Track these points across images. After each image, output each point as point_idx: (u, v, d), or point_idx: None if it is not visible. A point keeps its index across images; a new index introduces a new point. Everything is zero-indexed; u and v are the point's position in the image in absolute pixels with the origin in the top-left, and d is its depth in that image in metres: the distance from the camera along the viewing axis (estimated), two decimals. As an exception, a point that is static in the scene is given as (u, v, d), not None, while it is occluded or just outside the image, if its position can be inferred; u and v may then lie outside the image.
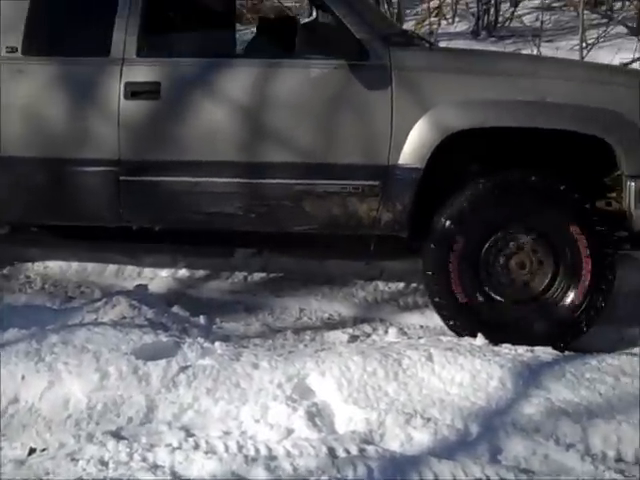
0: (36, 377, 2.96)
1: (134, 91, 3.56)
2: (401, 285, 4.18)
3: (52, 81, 3.64)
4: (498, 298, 3.52)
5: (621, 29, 10.27)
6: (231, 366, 3.07)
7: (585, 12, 9.38)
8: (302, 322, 3.87)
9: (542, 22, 11.24)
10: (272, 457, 2.60)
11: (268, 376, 3.01)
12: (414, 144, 3.43)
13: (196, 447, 2.64)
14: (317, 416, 2.82)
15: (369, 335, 3.68)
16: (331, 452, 2.61)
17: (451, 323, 3.53)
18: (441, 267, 3.47)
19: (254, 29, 4.66)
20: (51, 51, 3.67)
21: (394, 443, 2.70)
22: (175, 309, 3.75)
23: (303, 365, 3.06)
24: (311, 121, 3.51)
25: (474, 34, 12.23)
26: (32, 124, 3.64)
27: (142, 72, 3.58)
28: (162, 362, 3.06)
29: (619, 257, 3.57)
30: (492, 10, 12.32)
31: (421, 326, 3.82)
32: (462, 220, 3.45)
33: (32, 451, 2.65)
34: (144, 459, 2.57)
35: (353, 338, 3.60)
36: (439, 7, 11.96)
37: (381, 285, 4.19)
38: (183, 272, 4.30)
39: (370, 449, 2.64)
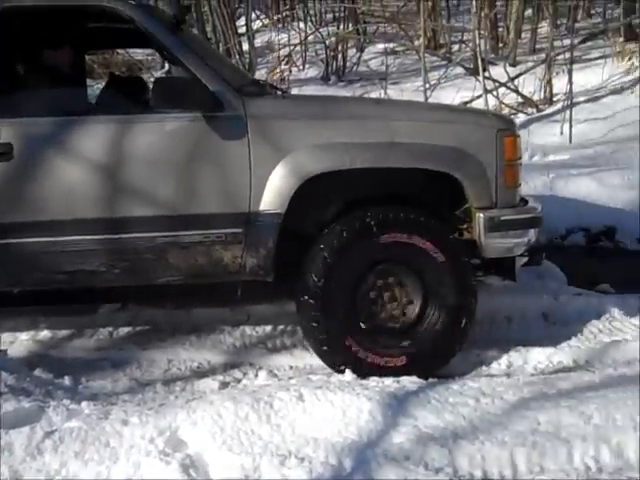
0: None
1: None
2: (268, 328, 4.22)
3: None
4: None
5: (460, 70, 10.88)
6: (99, 425, 3.00)
7: (426, 55, 9.87)
8: (171, 373, 3.83)
9: (387, 66, 11.76)
10: (147, 514, 2.56)
11: (139, 431, 2.95)
12: (274, 190, 3.50)
13: (66, 513, 2.57)
14: (191, 467, 2.79)
15: (240, 380, 3.69)
16: (207, 502, 2.60)
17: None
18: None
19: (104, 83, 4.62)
20: None
21: (270, 486, 2.71)
22: (37, 372, 3.61)
23: (174, 417, 3.03)
24: (170, 174, 3.52)
25: (324, 79, 12.62)
26: None
27: None
28: (25, 429, 2.95)
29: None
30: (340, 56, 12.79)
31: (291, 367, 3.86)
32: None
33: None
34: (11, 531, 2.47)
35: (224, 385, 3.60)
36: (289, 55, 12.27)
37: (248, 330, 4.21)
38: (45, 333, 4.16)
39: (247, 495, 2.65)
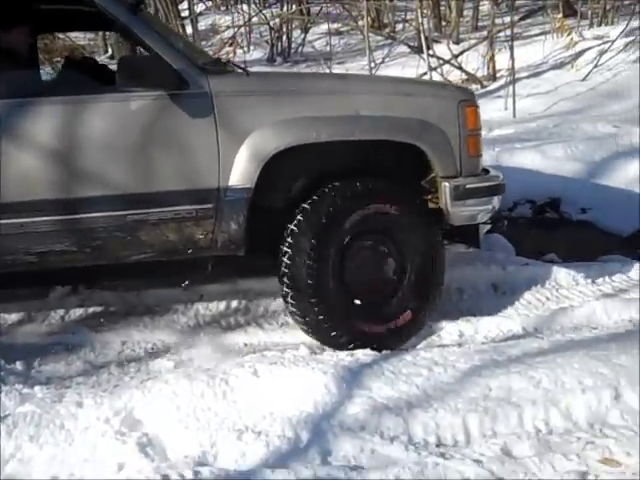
0: None
1: None
2: (222, 306, 4.21)
3: None
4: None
5: (404, 48, 10.95)
6: (54, 408, 2.98)
7: (370, 35, 9.91)
8: (125, 355, 3.80)
9: (332, 46, 11.77)
10: (105, 494, 2.56)
11: (94, 413, 2.94)
12: (242, 165, 3.52)
13: (23, 496, 2.55)
14: (148, 446, 2.79)
15: (194, 359, 3.68)
16: (165, 479, 2.59)
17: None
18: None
19: (49, 69, 4.55)
20: None
21: (228, 461, 2.73)
22: (-12, 358, 3.58)
23: (130, 397, 3.03)
24: (138, 152, 3.50)
25: (270, 61, 12.60)
26: None
27: None
28: (-22, 414, 2.92)
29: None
30: (284, 37, 12.75)
31: (245, 344, 3.86)
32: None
33: None
34: (-33, 517, 2.45)
35: (179, 364, 3.59)
36: (233, 37, 12.19)
37: (202, 309, 4.21)
38: (-6, 319, 4.10)
39: (204, 470, 2.66)
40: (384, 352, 3.46)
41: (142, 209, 3.52)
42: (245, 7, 13.55)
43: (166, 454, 2.78)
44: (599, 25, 10.72)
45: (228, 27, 13.34)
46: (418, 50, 10.18)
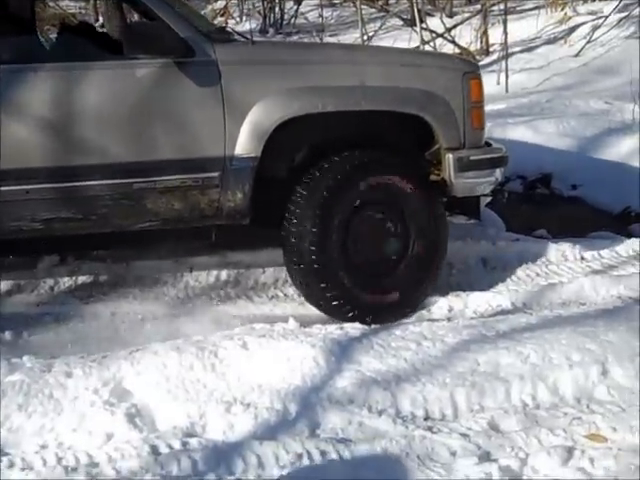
0: None
1: None
2: (211, 278, 4.20)
3: None
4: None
5: (397, 21, 10.87)
6: (42, 378, 2.98)
7: (363, 7, 9.85)
8: (114, 326, 3.80)
9: (324, 18, 11.68)
10: (93, 464, 2.56)
11: (83, 383, 2.95)
12: (248, 134, 3.52)
13: (11, 465, 2.55)
14: (137, 416, 2.80)
15: (183, 331, 3.67)
16: (154, 450, 2.61)
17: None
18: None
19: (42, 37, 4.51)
20: None
21: (216, 432, 2.74)
22: (-24, 328, 3.57)
23: (118, 368, 3.03)
24: (144, 119, 3.49)
25: (262, 32, 12.50)
26: None
27: None
28: (-33, 384, 2.91)
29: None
30: (277, 8, 12.64)
31: (234, 316, 3.86)
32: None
33: None
34: (-45, 485, 2.45)
35: (167, 336, 3.58)
36: (226, 7, 12.08)
37: (191, 281, 4.20)
38: (-18, 289, 4.08)
39: (193, 441, 2.67)
40: (373, 326, 3.48)
41: (148, 177, 3.51)
42: (237, -24, 13.42)
43: (155, 425, 2.80)
44: (593, 0, 10.66)
45: (220, -3, 13.22)
46: (411, 23, 10.12)
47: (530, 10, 10.86)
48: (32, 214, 3.51)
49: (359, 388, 2.93)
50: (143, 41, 3.42)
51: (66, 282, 4.18)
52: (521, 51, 9.61)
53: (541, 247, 4.53)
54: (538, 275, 4.29)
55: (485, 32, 9.84)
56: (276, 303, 3.94)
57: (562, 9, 10.07)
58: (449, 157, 3.75)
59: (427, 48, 9.16)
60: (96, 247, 4.23)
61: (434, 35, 9.65)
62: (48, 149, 3.44)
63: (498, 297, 3.93)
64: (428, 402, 2.88)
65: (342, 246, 3.65)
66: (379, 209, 3.74)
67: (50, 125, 3.45)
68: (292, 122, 3.57)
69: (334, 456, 2.58)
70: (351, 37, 10.97)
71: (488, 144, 4.00)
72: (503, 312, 3.77)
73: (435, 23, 10.11)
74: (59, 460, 2.58)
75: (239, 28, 12.10)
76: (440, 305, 3.86)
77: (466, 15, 10.57)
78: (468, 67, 3.95)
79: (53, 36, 4.60)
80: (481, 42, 9.91)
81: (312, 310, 3.79)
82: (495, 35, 9.60)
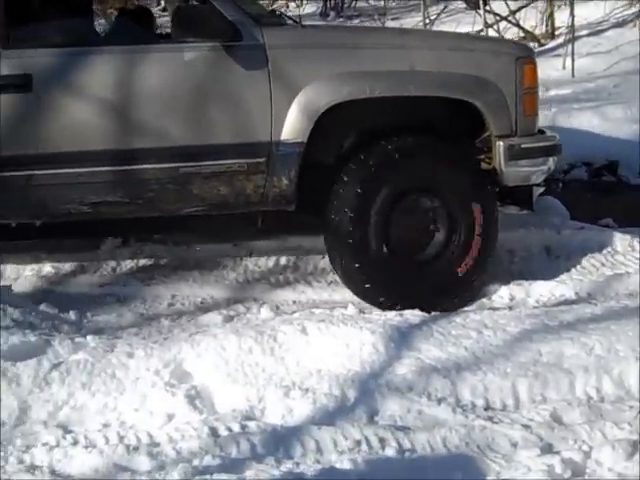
0: None
1: (4, 84, 3.43)
2: (270, 263, 4.21)
3: None
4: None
5: (460, 4, 10.70)
6: (105, 358, 3.02)
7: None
8: (175, 308, 3.84)
9: (386, 1, 11.56)
10: (154, 444, 2.59)
11: (144, 364, 2.98)
12: (295, 119, 3.50)
13: (75, 443, 2.60)
14: (197, 398, 2.83)
15: (243, 315, 3.69)
16: (213, 432, 2.63)
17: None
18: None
19: (102, 20, 4.58)
20: None
21: (275, 416, 2.75)
22: (43, 307, 3.62)
23: (179, 350, 3.05)
24: (191, 103, 3.50)
25: (323, 15, 12.45)
26: None
27: (11, 65, 3.44)
28: (32, 361, 2.96)
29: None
30: (338, -8, 12.57)
31: (293, 301, 3.87)
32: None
33: None
34: (20, 461, 2.50)
35: (227, 319, 3.60)
36: (286, -9, 12.07)
37: (251, 265, 4.21)
38: (48, 269, 4.15)
39: (252, 425, 2.68)
40: (433, 313, 3.43)
41: (194, 162, 3.52)
42: (299, -40, 13.38)
43: (214, 407, 2.82)
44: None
45: (282, -20, 13.17)
46: (474, 6, 9.94)
47: (598, -8, 10.58)
48: (81, 197, 3.55)
49: (418, 376, 2.90)
50: (191, 24, 3.43)
51: (128, 264, 4.24)
52: (588, 34, 9.37)
53: (607, 236, 4.41)
54: (603, 265, 4.18)
55: (551, 15, 9.63)
56: (335, 288, 3.93)
57: (632, -9, 9.77)
58: (500, 145, 3.66)
59: (490, 32, 9.00)
60: (157, 230, 4.29)
61: (498, 18, 9.48)
62: (97, 132, 3.48)
63: (562, 287, 3.85)
64: (489, 392, 2.84)
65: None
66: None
67: (99, 109, 3.48)
68: (340, 107, 3.53)
69: (393, 444, 2.56)
70: (413, 20, 10.85)
71: (541, 132, 3.89)
72: (567, 302, 3.70)
73: (499, 6, 9.91)
74: (121, 439, 2.62)
75: (300, 12, 12.09)
76: (501, 294, 3.79)
77: (531, -3, 10.34)
78: (522, 52, 3.86)
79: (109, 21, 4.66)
80: (546, 25, 9.70)
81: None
82: (561, 18, 9.39)
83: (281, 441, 2.59)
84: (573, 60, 8.23)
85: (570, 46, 8.33)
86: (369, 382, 2.88)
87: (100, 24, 4.57)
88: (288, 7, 11.58)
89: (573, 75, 8.12)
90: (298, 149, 3.52)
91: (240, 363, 2.98)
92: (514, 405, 2.80)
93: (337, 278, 3.96)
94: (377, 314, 3.40)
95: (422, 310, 3.41)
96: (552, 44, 9.37)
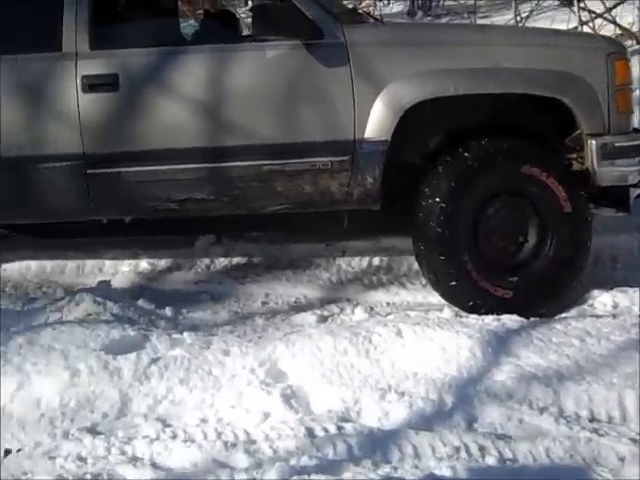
0: (5, 379, 2.90)
1: (92, 84, 3.52)
2: (364, 263, 4.19)
3: (6, 79, 3.56)
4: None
5: (553, 1, 10.44)
6: (202, 354, 3.06)
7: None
8: (269, 307, 3.86)
9: (475, -1, 11.38)
10: (251, 441, 2.61)
11: (240, 362, 3.00)
12: (378, 117, 3.47)
13: (174, 437, 2.64)
14: (293, 398, 2.83)
15: (337, 315, 3.68)
16: (309, 432, 2.63)
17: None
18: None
19: (191, 21, 4.66)
20: (2, 49, 3.58)
21: (371, 419, 2.72)
22: (140, 302, 3.70)
23: (274, 349, 3.06)
24: (274, 102, 3.52)
25: (410, 14, 12.33)
26: None
27: (98, 65, 3.53)
28: (132, 355, 3.03)
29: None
30: (426, -10, 12.44)
31: (387, 303, 3.83)
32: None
33: (7, 452, 2.61)
34: (122, 452, 2.56)
35: (321, 319, 3.60)
36: (372, -10, 12.01)
37: (344, 265, 4.20)
38: (144, 265, 4.24)
39: (348, 426, 2.67)
40: (532, 319, 3.34)
41: (278, 160, 3.53)
42: (387, -42, 13.30)
43: (310, 407, 2.82)
44: None
45: (369, -21, 13.14)
46: (568, 2, 9.70)
47: (701, -12, 10.17)
48: (167, 195, 3.60)
49: (518, 383, 2.83)
50: (271, 22, 3.43)
51: (222, 262, 4.29)
52: (689, 32, 9.02)
53: None
54: None
55: (649, 12, 9.30)
56: (429, 291, 3.85)
57: None
58: (592, 143, 3.53)
59: (585, 29, 8.76)
60: (250, 229, 4.32)
61: (593, 15, 9.21)
62: (180, 131, 3.52)
63: (669, 294, 3.69)
64: (593, 403, 2.74)
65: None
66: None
67: (182, 108, 3.53)
68: (423, 106, 3.48)
69: (493, 452, 2.50)
70: (503, 18, 10.64)
71: (637, 130, 3.74)
72: (674, 311, 3.55)
73: (594, 2, 9.64)
74: (219, 435, 2.65)
75: (387, 11, 12.02)
76: (603, 300, 3.66)
77: (629, -6, 10.02)
78: (613, 47, 3.69)
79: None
80: (644, 23, 9.38)
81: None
82: (661, 15, 9.05)
83: (378, 444, 2.57)
84: (674, 59, 7.94)
85: (670, 45, 8.05)
86: (467, 388, 2.83)
87: (186, 25, 4.62)
88: (376, 6, 11.52)
89: (673, 74, 7.83)
90: (382, 147, 3.49)
91: (335, 364, 2.97)
92: (621, 417, 2.70)
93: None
94: (474, 318, 3.33)
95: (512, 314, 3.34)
96: (650, 42, 9.06)
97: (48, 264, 4.28)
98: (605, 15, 9.27)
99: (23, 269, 4.27)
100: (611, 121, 3.55)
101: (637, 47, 8.88)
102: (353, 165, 3.52)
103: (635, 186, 3.72)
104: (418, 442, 2.57)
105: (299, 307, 3.83)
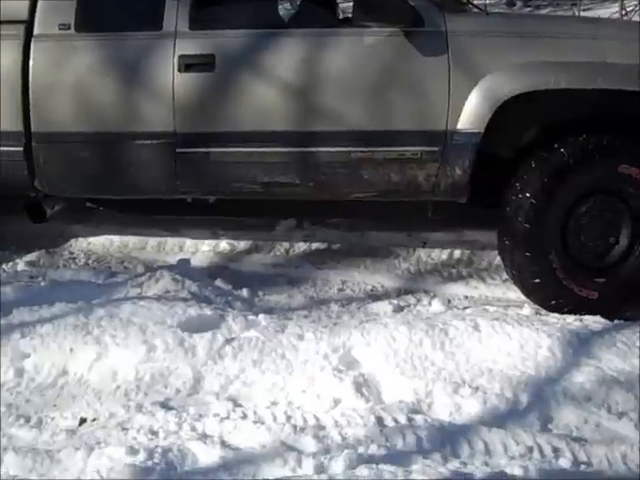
0: (84, 349, 2.99)
1: (188, 64, 3.56)
2: (444, 255, 4.14)
3: (105, 57, 3.65)
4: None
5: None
6: (276, 337, 3.07)
7: (624, -23, 9.17)
8: (345, 294, 3.84)
9: (578, -11, 11.04)
10: (320, 427, 2.60)
11: (313, 347, 3.00)
12: (473, 108, 3.41)
13: (244, 417, 2.66)
14: (364, 386, 2.81)
15: (413, 306, 3.64)
16: (379, 421, 2.60)
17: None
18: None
19: (289, 4, 4.63)
20: (104, 27, 3.68)
21: (442, 412, 2.69)
22: (218, 282, 3.74)
23: (348, 336, 3.05)
24: (367, 89, 3.50)
25: (509, 4, 12.04)
26: (86, 100, 3.64)
27: (196, 45, 3.58)
28: (207, 334, 3.07)
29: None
30: (528, -21, 12.13)
31: (466, 296, 3.78)
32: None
33: (83, 421, 2.68)
34: (193, 429, 2.59)
35: (397, 309, 3.56)
36: (474, -21, 11.80)
37: (424, 256, 4.15)
38: (224, 245, 4.29)
39: (418, 418, 2.63)
40: (616, 322, 3.23)
41: (367, 147, 3.51)
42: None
43: (381, 396, 2.79)
44: None
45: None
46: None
47: None
48: (253, 176, 3.62)
49: (598, 386, 2.75)
50: (373, 9, 3.40)
51: (301, 246, 4.29)
52: None
53: None
54: None
55: None
56: (509, 286, 3.78)
57: None
58: None
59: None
60: (332, 215, 4.31)
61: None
62: (271, 114, 3.52)
63: None
64: (678, 412, 2.63)
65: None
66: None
67: (274, 91, 3.53)
68: (519, 98, 3.39)
69: (567, 454, 2.43)
70: (607, 12, 10.30)
71: None
72: None
73: None
74: (288, 418, 2.65)
75: (486, 1, 11.80)
76: (693, 306, 3.52)
77: None
78: None
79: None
80: None
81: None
82: None
83: (448, 438, 2.53)
84: None
85: None
86: (543, 387, 2.76)
87: (284, 8, 4.61)
88: (478, -6, 11.31)
89: None
90: (474, 139, 3.43)
91: (409, 355, 2.94)
92: None
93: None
94: (555, 317, 3.25)
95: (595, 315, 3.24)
96: None
97: (130, 240, 4.36)
98: None
99: (107, 244, 4.37)
100: None
101: None
102: (443, 156, 3.47)
103: None
104: (489, 439, 2.52)
105: (375, 296, 3.80)
